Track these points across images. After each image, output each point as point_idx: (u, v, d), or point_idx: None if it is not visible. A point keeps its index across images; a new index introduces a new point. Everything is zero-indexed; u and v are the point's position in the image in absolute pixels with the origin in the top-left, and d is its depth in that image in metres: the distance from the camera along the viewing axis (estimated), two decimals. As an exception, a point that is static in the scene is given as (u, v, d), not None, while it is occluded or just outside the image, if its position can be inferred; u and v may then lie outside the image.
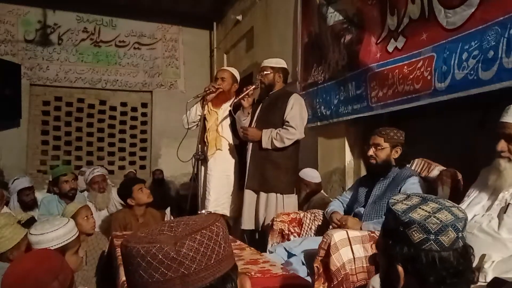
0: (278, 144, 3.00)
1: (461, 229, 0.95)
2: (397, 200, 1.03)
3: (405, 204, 1.01)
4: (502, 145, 1.67)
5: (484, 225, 1.66)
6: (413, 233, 0.95)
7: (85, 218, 2.71)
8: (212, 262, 0.73)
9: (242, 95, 3.13)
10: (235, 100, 3.21)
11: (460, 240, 0.95)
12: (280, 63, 3.27)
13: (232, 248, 0.80)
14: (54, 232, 1.89)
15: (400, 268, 0.96)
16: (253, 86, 3.19)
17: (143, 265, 0.71)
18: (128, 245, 0.74)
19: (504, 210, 1.65)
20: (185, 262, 0.71)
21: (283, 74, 3.24)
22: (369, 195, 2.40)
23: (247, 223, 3.11)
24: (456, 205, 1.00)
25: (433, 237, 0.93)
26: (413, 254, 0.94)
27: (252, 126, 3.17)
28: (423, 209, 0.97)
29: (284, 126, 3.02)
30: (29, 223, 2.16)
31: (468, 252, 0.96)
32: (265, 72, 3.20)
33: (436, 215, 0.95)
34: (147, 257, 0.71)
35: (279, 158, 3.05)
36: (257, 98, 3.42)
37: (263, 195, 3.08)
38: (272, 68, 3.21)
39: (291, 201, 3.10)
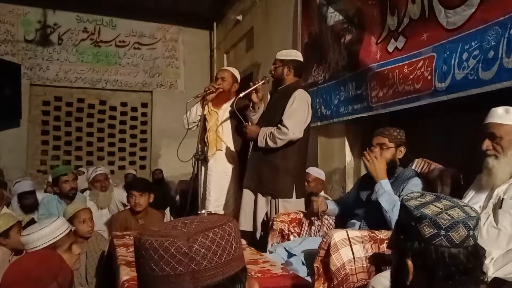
0: (270, 144, 2.84)
1: (472, 227, 0.96)
2: (411, 197, 1.06)
3: (418, 200, 1.03)
4: (486, 143, 1.74)
5: (483, 222, 1.68)
6: (424, 228, 0.96)
7: (82, 221, 2.71)
8: (222, 261, 0.74)
9: (249, 90, 3.01)
10: (241, 95, 3.06)
11: (471, 239, 0.96)
12: (290, 55, 3.05)
13: (242, 250, 0.81)
14: (39, 231, 1.92)
15: (409, 263, 0.98)
16: (262, 81, 3.06)
17: (155, 258, 0.73)
18: (141, 238, 0.75)
19: (498, 205, 1.68)
20: (196, 258, 0.72)
21: (294, 67, 2.99)
22: (371, 196, 2.39)
23: (244, 224, 2.98)
24: (469, 205, 1.01)
25: (444, 233, 0.94)
26: (423, 249, 0.96)
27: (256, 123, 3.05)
28: (435, 206, 0.99)
29: (278, 125, 2.83)
30: (29, 226, 2.18)
31: (479, 251, 0.97)
32: (273, 66, 3.04)
33: (448, 211, 0.96)
34: (159, 250, 0.72)
35: (276, 158, 2.88)
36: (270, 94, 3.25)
37: (260, 197, 2.97)
38: (281, 61, 3.00)
39: (288, 206, 2.87)
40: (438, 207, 0.98)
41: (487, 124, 1.76)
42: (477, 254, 0.96)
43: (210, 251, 0.73)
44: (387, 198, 2.15)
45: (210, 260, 0.73)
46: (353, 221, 2.45)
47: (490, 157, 1.74)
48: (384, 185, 2.21)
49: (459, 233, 0.94)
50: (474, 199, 1.80)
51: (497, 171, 1.72)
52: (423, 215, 0.96)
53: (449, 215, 0.95)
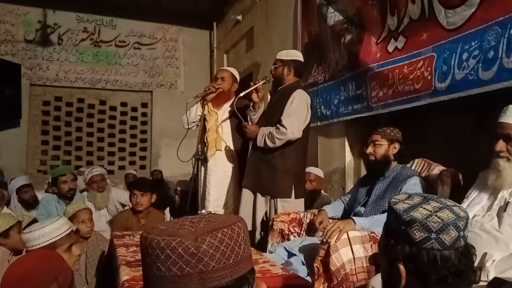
0: (269, 144, 2.83)
1: (462, 228, 0.95)
2: (399, 199, 1.04)
3: (406, 203, 1.01)
4: (500, 145, 1.68)
5: (485, 224, 1.67)
6: (415, 232, 0.95)
7: (82, 221, 2.72)
8: (230, 262, 0.73)
9: (249, 89, 3.00)
10: (241, 95, 3.04)
11: (461, 239, 0.95)
12: (290, 55, 3.05)
13: (250, 251, 0.80)
14: (40, 230, 1.93)
15: (401, 267, 0.96)
16: (263, 81, 3.05)
17: (162, 258, 0.71)
18: (148, 237, 0.74)
19: (503, 208, 1.66)
20: (204, 259, 0.71)
21: (294, 67, 2.98)
22: (370, 195, 2.40)
23: None
24: (458, 204, 1.00)
25: (435, 236, 0.93)
26: (415, 253, 0.95)
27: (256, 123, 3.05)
28: (424, 208, 0.97)
29: (277, 125, 2.83)
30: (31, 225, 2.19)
31: (470, 251, 0.96)
32: (274, 66, 3.04)
33: (437, 214, 0.95)
34: (166, 250, 0.71)
35: (275, 158, 2.87)
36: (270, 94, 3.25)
37: (259, 196, 2.96)
38: (281, 61, 3.00)
39: (287, 206, 2.85)
40: (427, 210, 0.96)
41: (503, 124, 1.68)
42: (468, 254, 0.96)
43: (218, 252, 0.72)
44: (376, 224, 2.04)
45: (218, 261, 0.72)
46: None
47: (502, 158, 1.68)
48: (362, 222, 2.10)
49: (450, 235, 0.93)
50: (476, 199, 1.79)
51: (507, 174, 1.68)
52: (413, 219, 0.95)
53: (439, 218, 0.94)
